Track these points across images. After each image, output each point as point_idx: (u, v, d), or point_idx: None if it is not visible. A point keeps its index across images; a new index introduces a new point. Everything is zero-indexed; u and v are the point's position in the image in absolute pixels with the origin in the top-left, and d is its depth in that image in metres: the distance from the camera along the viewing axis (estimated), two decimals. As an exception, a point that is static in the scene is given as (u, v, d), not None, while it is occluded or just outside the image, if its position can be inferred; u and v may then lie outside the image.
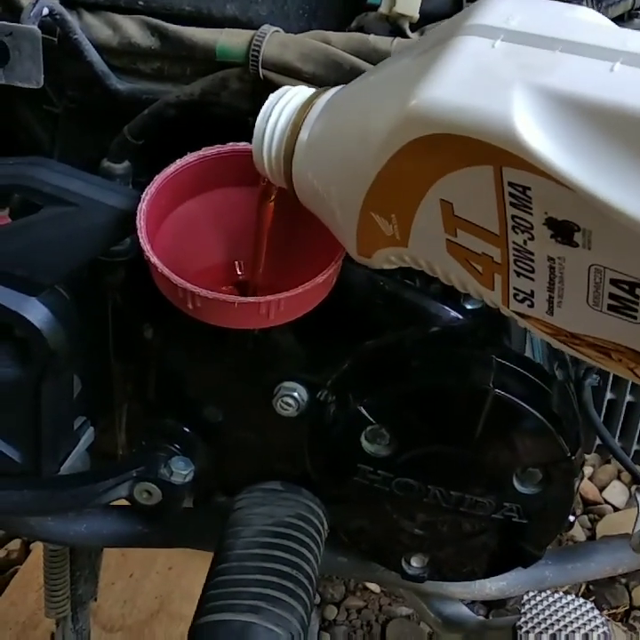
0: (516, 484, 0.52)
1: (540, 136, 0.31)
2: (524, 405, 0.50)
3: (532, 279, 0.37)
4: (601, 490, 1.27)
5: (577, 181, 0.31)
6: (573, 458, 0.51)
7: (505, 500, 0.52)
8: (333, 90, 0.44)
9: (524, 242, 0.35)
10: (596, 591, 1.13)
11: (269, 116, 0.43)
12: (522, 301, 0.39)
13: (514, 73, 0.32)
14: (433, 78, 0.34)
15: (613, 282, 0.34)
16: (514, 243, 0.36)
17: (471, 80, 0.33)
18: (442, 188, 0.36)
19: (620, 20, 0.52)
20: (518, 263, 0.37)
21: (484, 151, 0.33)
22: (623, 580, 1.15)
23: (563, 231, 0.34)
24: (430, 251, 0.41)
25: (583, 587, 1.13)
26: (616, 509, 1.25)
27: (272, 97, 0.44)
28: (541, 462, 0.51)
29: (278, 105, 0.43)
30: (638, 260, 0.33)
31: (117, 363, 0.62)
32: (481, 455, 0.52)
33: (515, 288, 0.38)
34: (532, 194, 0.33)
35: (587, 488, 1.26)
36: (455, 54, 0.34)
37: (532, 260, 0.36)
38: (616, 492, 1.26)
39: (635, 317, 0.35)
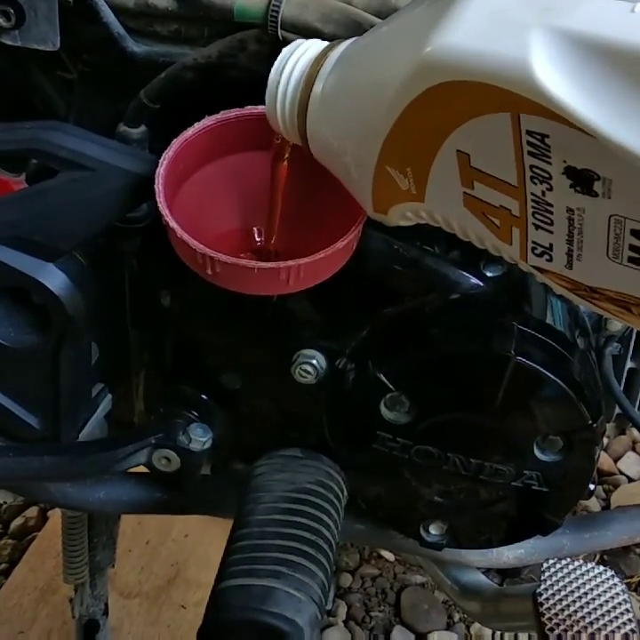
0: (536, 451, 0.52)
1: (558, 81, 0.30)
2: (546, 372, 0.49)
3: (550, 232, 0.36)
4: (616, 460, 1.27)
5: (597, 127, 0.30)
6: (595, 426, 0.51)
7: (525, 467, 0.52)
8: (347, 42, 0.43)
9: (543, 193, 0.35)
10: (611, 561, 1.13)
11: (283, 69, 0.42)
12: (540, 255, 0.38)
13: (530, 16, 0.31)
14: (447, 24, 0.33)
15: (634, 233, 0.33)
16: (532, 194, 0.35)
17: (487, 25, 0.32)
18: (458, 139, 0.35)
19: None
20: (536, 215, 0.36)
21: (500, 98, 0.32)
22: (638, 550, 1.15)
23: (582, 180, 0.33)
24: (447, 205, 0.40)
25: (598, 557, 1.13)
26: (631, 480, 1.25)
27: (285, 50, 0.43)
28: (562, 430, 0.51)
29: (291, 58, 0.42)
30: None
31: (135, 330, 0.62)
32: (501, 423, 0.51)
33: (533, 242, 0.38)
34: (551, 142, 0.32)
35: (601, 459, 1.26)
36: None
37: (551, 212, 0.35)
38: (631, 463, 1.26)
39: None
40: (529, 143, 0.33)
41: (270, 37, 0.50)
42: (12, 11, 0.48)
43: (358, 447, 0.54)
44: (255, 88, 0.54)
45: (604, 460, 1.26)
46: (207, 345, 0.59)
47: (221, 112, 0.50)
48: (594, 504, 1.21)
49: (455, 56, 0.32)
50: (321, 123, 0.42)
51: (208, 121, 0.50)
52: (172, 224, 0.46)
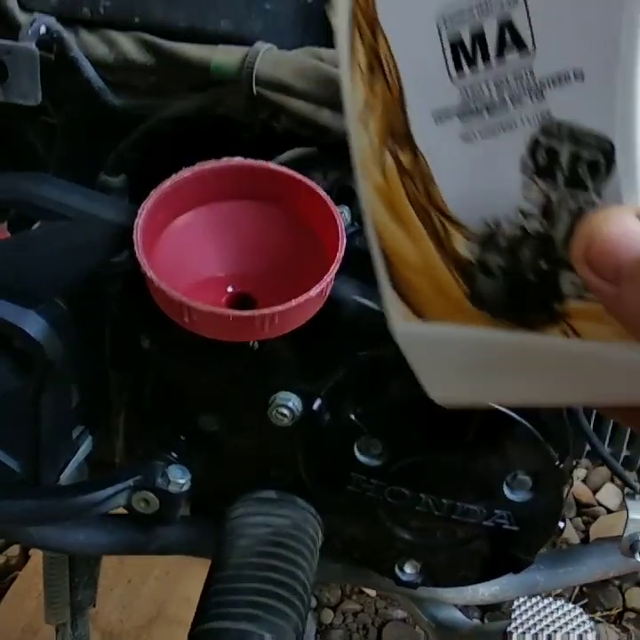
0: (506, 491, 0.53)
1: None
2: (511, 414, 0.51)
3: None
4: (594, 492, 1.28)
5: None
6: (562, 465, 0.52)
7: (495, 507, 0.54)
8: None
9: None
10: (590, 593, 1.14)
11: None
12: None
13: None
14: None
15: (507, 25, 0.27)
16: None
17: None
18: None
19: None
20: None
21: None
22: (616, 582, 1.16)
23: None
24: None
25: (577, 589, 1.14)
26: (609, 511, 1.26)
27: None
28: (530, 470, 0.52)
29: None
30: (563, 33, 0.27)
31: (115, 372, 0.63)
32: (471, 463, 0.53)
33: None
34: None
35: (580, 490, 1.27)
36: None
37: None
38: (609, 495, 1.27)
39: (460, 73, 0.29)
40: None
41: (245, 92, 0.52)
42: (-6, 68, 0.50)
43: (334, 488, 0.55)
44: (231, 139, 0.56)
45: (583, 492, 1.28)
46: (185, 387, 0.60)
47: (198, 164, 0.52)
48: (573, 536, 1.22)
49: None
50: None
51: (185, 172, 0.52)
52: (150, 274, 0.48)
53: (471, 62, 0.28)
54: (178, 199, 0.52)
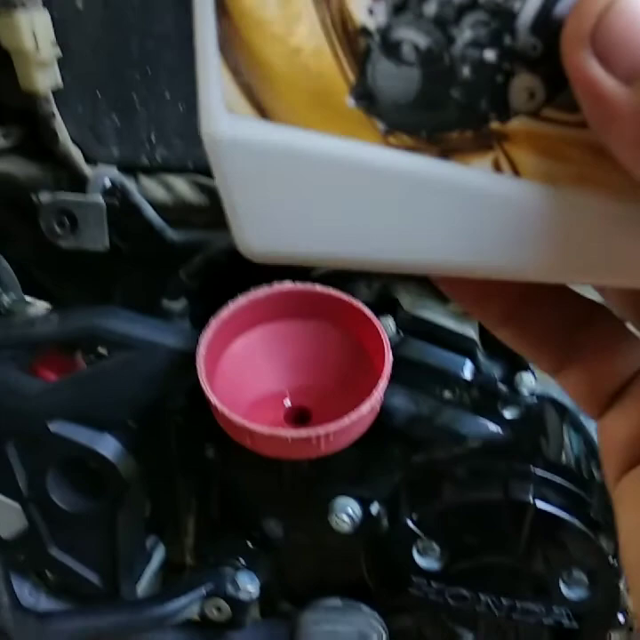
0: (563, 589, 0.55)
1: None
2: (564, 515, 0.53)
3: None
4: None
5: None
6: (615, 560, 0.54)
7: (554, 605, 0.55)
8: None
9: None
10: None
11: None
12: None
13: None
14: None
15: None
16: None
17: None
18: None
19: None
20: None
21: None
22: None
23: None
24: None
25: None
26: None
27: None
28: (585, 567, 0.54)
29: None
30: None
31: (182, 479, 0.67)
32: (527, 563, 0.54)
33: None
34: None
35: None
36: None
37: None
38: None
39: None
40: None
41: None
42: (66, 220, 0.55)
43: (396, 591, 0.57)
44: (278, 268, 0.60)
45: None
46: (249, 495, 0.63)
47: (252, 291, 0.56)
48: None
49: None
50: None
51: (240, 300, 0.56)
52: (213, 400, 0.52)
53: None
54: (235, 324, 0.57)
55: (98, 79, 0.55)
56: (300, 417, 0.58)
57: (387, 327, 0.60)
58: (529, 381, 0.61)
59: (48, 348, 0.58)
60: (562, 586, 0.55)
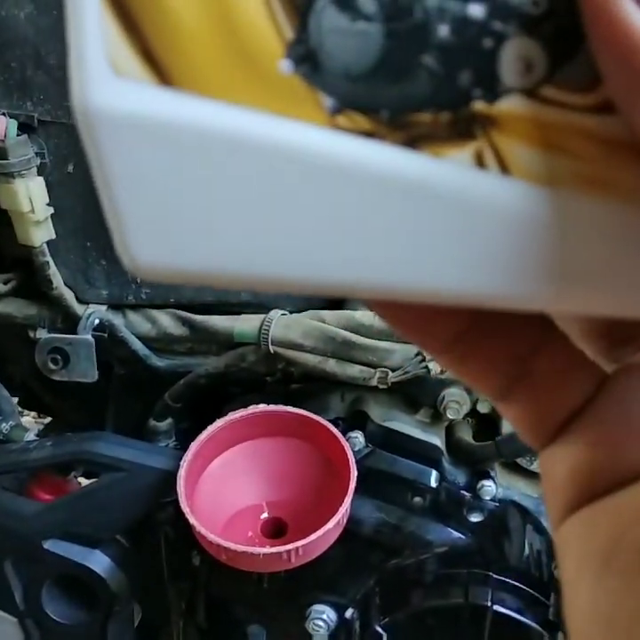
0: (525, 688, 0.58)
1: None
2: (521, 619, 0.57)
3: None
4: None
5: None
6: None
7: None
8: None
9: None
10: None
11: None
12: None
13: None
14: None
15: None
16: None
17: None
18: None
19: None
20: None
21: None
22: None
23: None
24: None
25: None
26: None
27: None
28: (544, 669, 0.57)
29: None
30: None
31: (171, 585, 0.71)
32: (490, 665, 0.58)
33: None
34: None
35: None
36: None
37: None
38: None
39: None
40: None
41: (264, 351, 0.63)
42: (59, 356, 0.61)
43: (368, 693, 0.61)
44: (254, 386, 0.66)
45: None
46: (232, 602, 0.67)
47: (229, 414, 0.62)
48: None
49: None
50: None
51: (219, 423, 0.61)
52: (191, 520, 0.57)
53: None
54: (213, 445, 0.62)
55: (87, 231, 0.61)
56: (276, 528, 0.63)
57: (356, 441, 0.65)
58: (490, 488, 0.65)
59: (42, 472, 0.64)
60: (524, 685, 0.58)
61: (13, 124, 0.55)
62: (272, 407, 0.62)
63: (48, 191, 0.59)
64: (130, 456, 0.62)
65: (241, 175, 0.14)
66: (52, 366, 0.61)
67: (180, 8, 0.14)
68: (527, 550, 0.63)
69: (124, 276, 0.63)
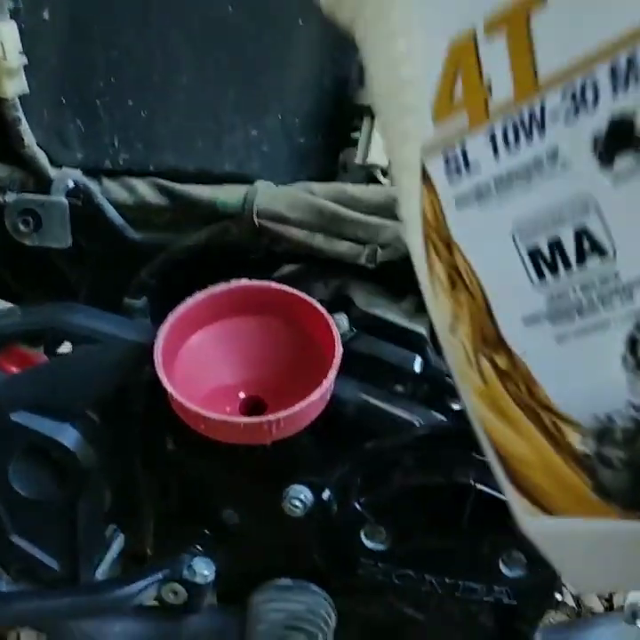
0: (502, 568, 0.58)
1: None
2: (503, 497, 0.56)
3: (495, 154, 0.28)
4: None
5: None
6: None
7: (494, 583, 0.58)
8: None
9: (555, 113, 0.25)
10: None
11: None
12: (449, 163, 0.29)
13: None
14: None
15: (583, 231, 0.26)
16: (542, 103, 0.25)
17: None
18: None
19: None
20: (511, 127, 0.27)
21: None
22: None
23: (615, 146, 0.24)
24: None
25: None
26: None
27: None
28: (523, 547, 0.57)
29: None
30: None
31: (144, 473, 0.69)
32: (469, 544, 0.57)
33: (465, 146, 0.28)
34: None
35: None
36: None
37: (529, 139, 0.26)
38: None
39: (543, 280, 0.28)
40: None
41: (248, 224, 0.60)
42: (31, 218, 0.58)
43: (345, 573, 0.60)
44: (238, 261, 0.64)
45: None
46: (207, 485, 0.66)
47: (209, 287, 0.59)
48: (598, 605, 1.23)
49: None
50: None
51: (198, 296, 0.59)
52: (169, 389, 0.55)
53: (553, 269, 0.27)
54: (192, 319, 0.60)
55: (63, 86, 0.58)
56: (254, 408, 0.61)
57: (340, 323, 0.63)
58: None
59: (11, 342, 0.61)
60: (501, 566, 0.58)
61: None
62: (256, 282, 0.60)
63: (20, 40, 0.55)
64: (105, 328, 0.59)
65: (602, 544, 0.29)
66: (22, 228, 0.58)
67: (541, 483, 0.32)
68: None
69: (100, 138, 0.59)
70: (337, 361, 0.56)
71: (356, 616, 0.62)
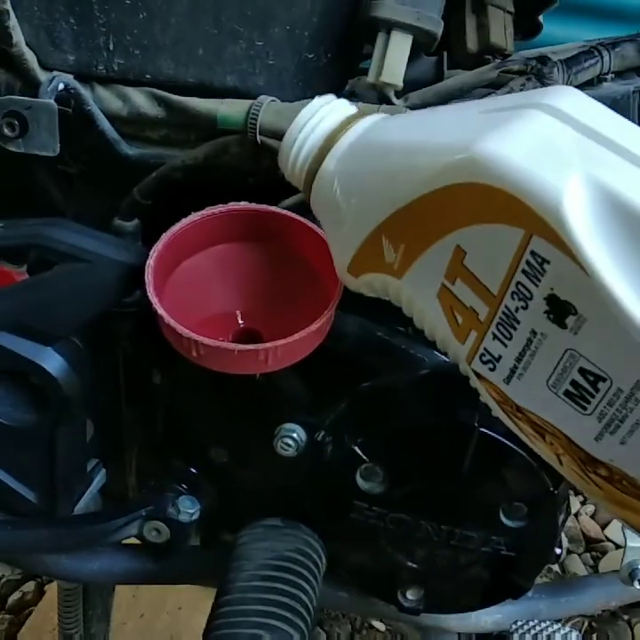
0: (502, 518, 0.55)
1: (582, 219, 0.33)
2: (508, 443, 0.53)
3: (505, 345, 0.38)
4: (603, 527, 1.29)
5: (598, 269, 0.32)
6: (556, 492, 0.54)
7: (493, 533, 0.55)
8: (376, 117, 0.46)
9: (516, 309, 0.37)
10: (599, 628, 1.15)
11: (303, 127, 0.45)
12: (485, 363, 0.41)
13: (577, 158, 0.34)
14: (502, 135, 0.35)
15: (581, 371, 0.36)
16: (506, 307, 0.37)
17: (537, 150, 0.34)
18: (464, 236, 0.37)
19: (588, 85, 0.56)
20: (500, 327, 0.38)
21: (524, 214, 0.34)
22: (626, 617, 1.16)
23: (559, 311, 0.35)
24: (421, 290, 0.42)
25: (586, 624, 1.14)
26: (618, 547, 1.27)
27: (306, 111, 0.46)
28: (526, 497, 0.54)
29: (318, 114, 0.45)
30: (618, 360, 0.34)
31: (128, 407, 0.66)
32: (468, 490, 0.55)
33: (485, 348, 0.40)
34: (549, 268, 0.34)
35: (589, 526, 1.28)
36: (528, 122, 0.36)
37: (515, 329, 0.37)
38: (617, 529, 1.27)
39: (585, 408, 0.37)
40: (528, 263, 0.35)
41: (250, 141, 0.56)
42: (16, 122, 0.53)
43: (337, 516, 0.57)
44: (237, 185, 0.60)
45: (592, 527, 1.28)
46: (195, 420, 0.63)
47: (206, 208, 0.55)
48: (582, 571, 1.22)
49: (502, 164, 0.34)
50: (334, 175, 0.44)
51: (194, 217, 0.55)
52: (160, 311, 0.51)
53: (585, 400, 0.37)
54: (187, 242, 0.56)
55: (55, -22, 0.53)
56: (249, 341, 0.57)
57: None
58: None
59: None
60: (502, 515, 0.55)
61: None
62: (257, 205, 0.56)
63: None
64: (92, 246, 0.55)
65: None
66: (7, 133, 0.53)
67: None
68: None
69: (93, 39, 0.55)
70: (339, 292, 0.52)
71: (346, 562, 0.60)
